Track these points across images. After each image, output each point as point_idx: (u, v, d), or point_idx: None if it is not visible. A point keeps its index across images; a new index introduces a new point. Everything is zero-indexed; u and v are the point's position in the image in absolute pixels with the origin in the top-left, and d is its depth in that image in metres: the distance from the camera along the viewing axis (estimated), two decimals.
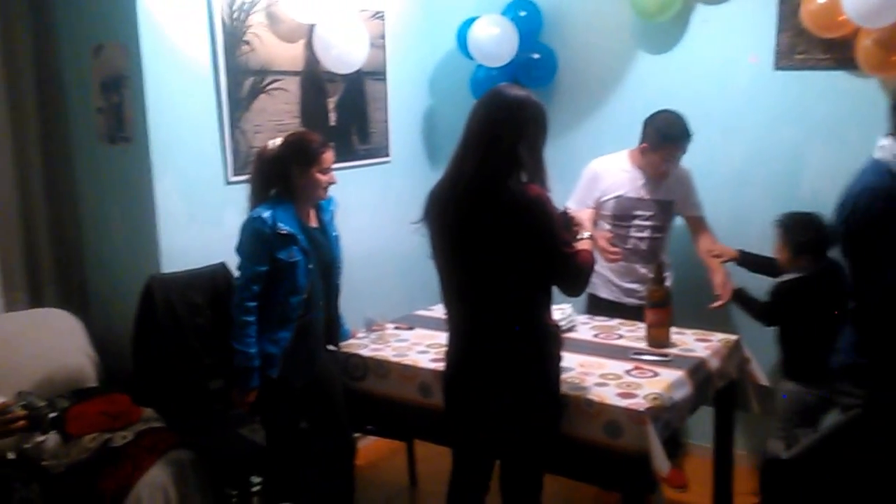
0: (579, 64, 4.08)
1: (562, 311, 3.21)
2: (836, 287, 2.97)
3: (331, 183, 2.89)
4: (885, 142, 2.40)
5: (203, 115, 3.31)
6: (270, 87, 3.53)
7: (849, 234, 2.46)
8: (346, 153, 3.89)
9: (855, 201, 2.39)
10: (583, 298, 3.65)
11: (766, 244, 3.44)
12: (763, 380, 3.07)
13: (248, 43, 3.41)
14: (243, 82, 3.42)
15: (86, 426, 2.84)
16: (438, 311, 3.51)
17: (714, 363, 2.88)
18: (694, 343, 2.98)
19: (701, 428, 3.64)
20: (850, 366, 2.54)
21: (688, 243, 3.61)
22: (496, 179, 2.31)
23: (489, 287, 2.38)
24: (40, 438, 2.71)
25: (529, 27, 4.01)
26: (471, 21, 3.96)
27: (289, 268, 2.77)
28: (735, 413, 3.13)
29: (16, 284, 3.24)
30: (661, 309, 2.96)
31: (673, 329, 3.03)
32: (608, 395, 2.53)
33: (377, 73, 4.05)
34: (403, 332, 3.26)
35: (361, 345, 3.12)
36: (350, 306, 3.17)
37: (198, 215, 3.31)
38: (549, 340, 2.46)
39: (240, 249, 2.81)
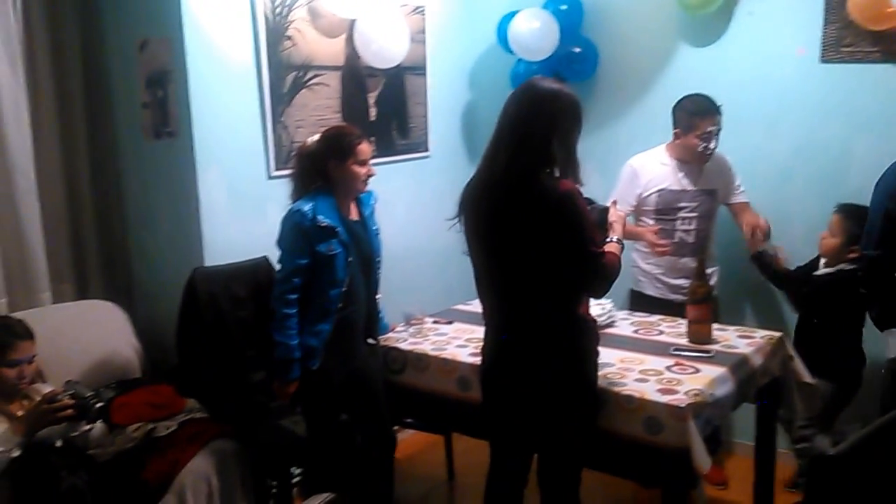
0: (621, 57, 4.04)
1: (601, 306, 3.18)
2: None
3: (370, 175, 2.90)
4: None
5: (246, 110, 3.35)
6: (312, 82, 3.56)
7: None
8: (386, 148, 3.91)
9: None
10: (625, 294, 3.64)
11: (810, 241, 3.39)
12: (807, 377, 3.02)
13: (290, 38, 3.44)
14: (285, 77, 3.45)
15: (131, 416, 2.89)
16: (477, 305, 3.49)
17: (757, 360, 2.84)
18: (736, 339, 2.94)
19: (742, 425, 3.61)
20: None
21: (734, 241, 3.56)
22: (527, 174, 2.29)
23: (521, 281, 2.38)
24: (86, 427, 2.74)
25: (570, 20, 3.98)
26: (511, 15, 3.95)
27: (328, 260, 2.79)
28: (778, 411, 3.09)
29: (63, 277, 3.31)
30: (702, 305, 2.93)
31: (715, 325, 3.00)
32: (648, 390, 2.51)
33: (417, 68, 4.06)
34: (442, 326, 3.26)
35: (400, 338, 3.14)
36: (389, 300, 3.19)
37: (240, 209, 3.35)
38: (584, 334, 2.44)
39: (280, 242, 2.83)
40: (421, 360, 2.99)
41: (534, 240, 2.30)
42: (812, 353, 3.12)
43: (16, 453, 2.55)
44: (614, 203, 2.65)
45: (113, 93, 3.44)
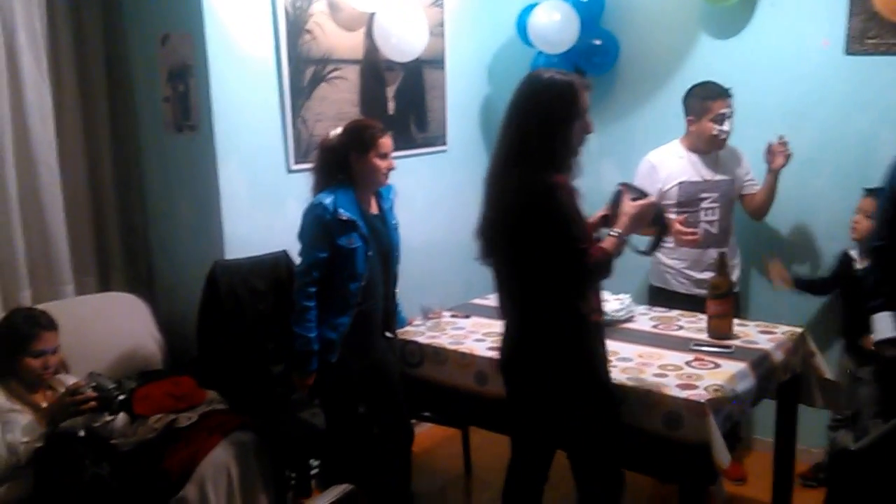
0: (642, 50, 4.01)
1: (620, 300, 3.18)
2: None
3: (390, 169, 2.90)
4: None
5: (266, 104, 3.36)
6: (331, 75, 3.56)
7: None
8: (404, 141, 3.91)
9: None
10: (644, 289, 3.63)
11: (834, 235, 3.36)
12: (828, 374, 3.00)
13: (309, 32, 3.45)
14: (305, 71, 3.46)
15: (152, 407, 2.92)
16: (494, 300, 3.53)
17: (778, 356, 2.83)
18: (757, 335, 2.93)
19: (762, 421, 3.59)
20: None
21: (755, 233, 3.54)
22: (515, 167, 2.29)
23: (516, 278, 2.39)
24: (109, 418, 2.79)
25: (591, 12, 3.95)
26: (531, 7, 3.93)
27: (349, 254, 2.80)
28: (798, 407, 3.07)
29: (86, 269, 3.35)
30: (723, 299, 2.91)
31: (736, 320, 2.98)
32: (668, 385, 2.50)
33: (436, 62, 4.05)
34: (460, 320, 3.27)
35: (418, 332, 3.15)
36: (407, 294, 3.20)
37: (260, 203, 3.37)
38: (582, 330, 2.38)
39: (301, 236, 2.85)
40: (439, 354, 3.00)
41: (520, 235, 2.29)
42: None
43: (39, 444, 2.60)
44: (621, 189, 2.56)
45: (135, 87, 3.47)
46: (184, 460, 2.73)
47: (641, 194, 2.50)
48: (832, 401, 3.04)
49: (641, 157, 3.53)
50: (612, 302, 3.17)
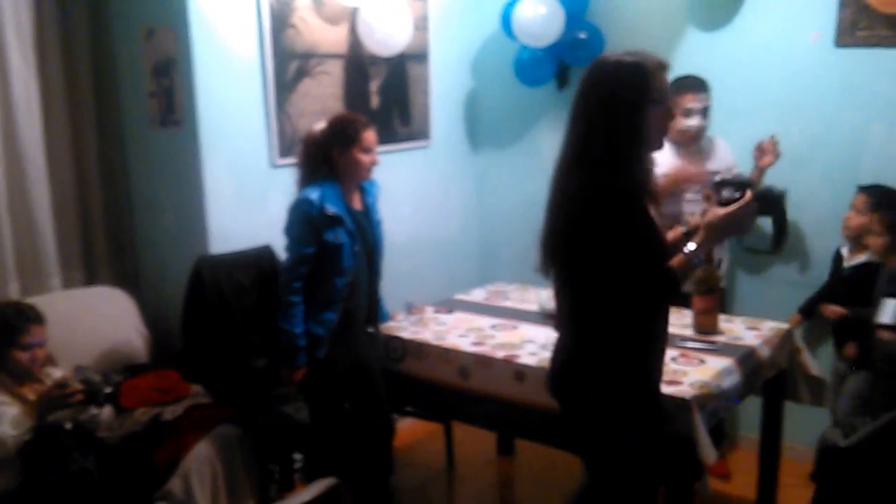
0: (627, 43, 3.91)
1: None
2: None
3: (374, 163, 2.92)
4: None
5: (249, 99, 3.38)
6: (315, 70, 3.58)
7: None
8: (388, 136, 3.92)
9: None
10: None
11: (824, 229, 3.36)
12: (815, 370, 3.00)
13: (293, 26, 3.46)
14: (289, 66, 3.47)
15: (138, 400, 2.94)
16: (477, 295, 3.57)
17: (764, 352, 2.82)
18: (744, 331, 2.93)
19: (747, 418, 3.61)
20: None
21: None
22: (576, 167, 2.03)
23: (571, 291, 2.16)
24: (95, 411, 2.81)
25: (576, 6, 3.93)
26: (515, 1, 3.93)
27: (335, 250, 2.82)
28: (784, 404, 3.07)
29: (72, 264, 3.36)
30: (709, 295, 2.90)
31: (722, 316, 2.98)
32: None
33: (420, 56, 4.07)
34: (443, 315, 3.30)
35: (401, 327, 3.17)
36: (390, 289, 3.23)
37: (244, 198, 3.39)
38: (640, 354, 2.14)
39: (288, 231, 2.86)
40: (422, 349, 3.03)
41: (576, 247, 2.04)
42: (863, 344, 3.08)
43: (27, 436, 2.63)
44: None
45: (120, 82, 3.48)
46: (169, 453, 2.76)
47: (739, 189, 2.13)
48: (818, 397, 3.02)
49: None
50: None
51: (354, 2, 3.58)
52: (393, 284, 3.28)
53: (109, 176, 3.49)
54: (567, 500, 2.45)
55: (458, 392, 2.92)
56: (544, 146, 4.32)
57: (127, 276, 3.55)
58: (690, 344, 2.81)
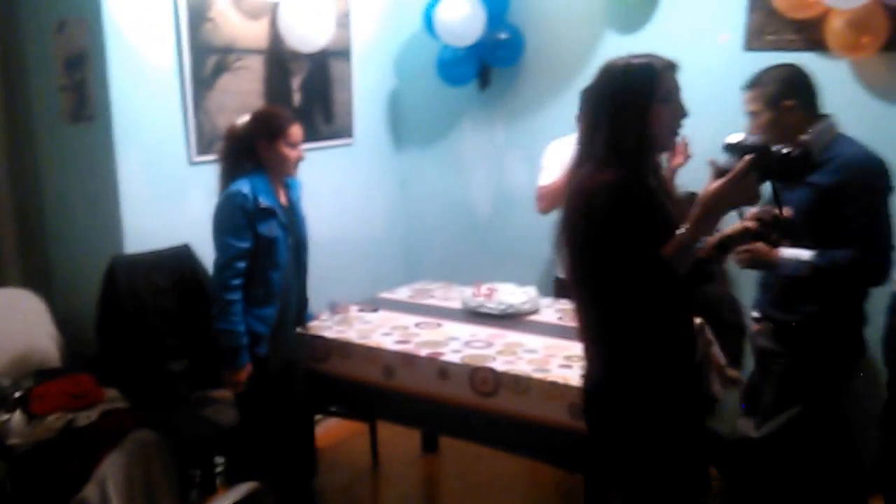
0: (547, 44, 4.07)
1: (526, 293, 3.26)
2: None
3: (299, 159, 2.89)
4: None
5: (166, 94, 3.29)
6: (234, 65, 3.51)
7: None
8: (311, 134, 3.86)
9: None
10: (549, 281, 3.70)
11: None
12: (725, 363, 3.08)
13: (211, 20, 3.39)
14: (206, 60, 3.39)
15: (50, 406, 2.85)
16: (402, 293, 3.57)
17: None
18: None
19: None
20: None
21: None
22: (580, 166, 2.02)
23: (586, 298, 2.08)
24: (4, 417, 2.72)
25: (497, 6, 3.98)
26: (437, 0, 3.96)
27: (270, 243, 2.77)
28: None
29: None
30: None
31: None
32: (572, 376, 2.56)
33: (342, 53, 4.04)
34: (367, 314, 3.29)
35: (325, 327, 3.15)
36: (314, 288, 3.19)
37: (161, 195, 3.30)
38: (671, 374, 2.04)
39: (220, 227, 2.77)
40: (345, 349, 3.02)
41: (570, 244, 2.02)
42: None
43: None
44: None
45: (30, 75, 3.34)
46: (84, 461, 2.68)
47: (742, 153, 1.98)
48: (728, 390, 3.08)
49: (545, 151, 3.59)
50: (518, 294, 3.25)
51: None
52: (317, 283, 3.24)
53: (19, 172, 3.36)
54: None
55: (383, 391, 2.93)
56: (467, 145, 4.35)
57: (37, 276, 3.41)
58: None
